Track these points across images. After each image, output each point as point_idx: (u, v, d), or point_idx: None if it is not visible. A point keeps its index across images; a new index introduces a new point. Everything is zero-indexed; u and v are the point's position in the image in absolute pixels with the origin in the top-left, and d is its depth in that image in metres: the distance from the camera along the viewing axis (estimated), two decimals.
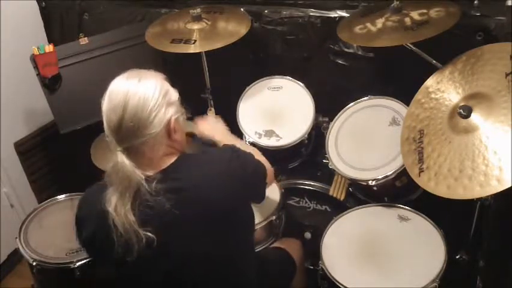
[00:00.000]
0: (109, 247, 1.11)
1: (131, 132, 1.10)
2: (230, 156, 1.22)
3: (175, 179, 1.13)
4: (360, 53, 2.05)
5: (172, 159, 1.18)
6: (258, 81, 2.10)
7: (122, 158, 1.09)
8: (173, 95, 1.19)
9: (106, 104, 1.13)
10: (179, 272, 1.16)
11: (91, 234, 1.18)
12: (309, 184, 1.99)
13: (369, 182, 1.70)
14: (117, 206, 1.09)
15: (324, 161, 1.89)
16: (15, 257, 2.37)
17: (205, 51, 1.96)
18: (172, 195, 1.10)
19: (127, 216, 1.08)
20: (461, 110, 1.36)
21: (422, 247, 1.55)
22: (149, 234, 1.08)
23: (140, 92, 1.11)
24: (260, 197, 1.34)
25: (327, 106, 2.01)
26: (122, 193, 1.09)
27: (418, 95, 1.58)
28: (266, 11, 2.15)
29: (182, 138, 1.24)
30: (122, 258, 1.11)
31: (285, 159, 2.05)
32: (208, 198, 1.14)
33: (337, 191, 1.88)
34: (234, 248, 1.22)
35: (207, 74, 2.07)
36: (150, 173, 1.12)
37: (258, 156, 1.36)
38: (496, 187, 1.20)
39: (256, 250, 1.67)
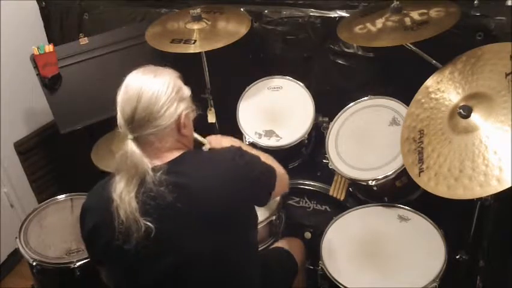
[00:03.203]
0: (110, 236, 1.13)
1: (142, 123, 1.14)
2: (234, 156, 1.23)
3: (179, 172, 1.16)
4: (360, 53, 2.05)
5: (179, 153, 1.21)
6: (258, 81, 2.10)
7: (132, 146, 1.14)
8: (186, 91, 1.24)
9: (121, 96, 1.18)
10: (176, 267, 1.16)
11: (94, 223, 1.19)
12: (309, 184, 1.99)
13: (369, 182, 1.70)
14: (122, 193, 1.11)
15: (324, 161, 1.89)
16: (15, 257, 2.37)
17: (205, 51, 1.96)
18: (175, 188, 1.12)
19: (131, 204, 1.10)
20: (461, 110, 1.36)
21: (422, 247, 1.55)
22: (149, 224, 1.10)
23: (155, 87, 1.16)
24: (262, 200, 1.33)
25: (327, 106, 2.01)
26: (128, 180, 1.12)
27: (418, 95, 1.58)
28: (266, 11, 2.15)
29: (191, 134, 1.29)
30: (121, 246, 1.12)
31: (285, 159, 2.04)
32: (210, 196, 1.15)
33: (337, 191, 1.88)
34: (235, 247, 1.22)
35: (207, 74, 2.07)
36: (157, 162, 1.16)
37: (272, 162, 1.37)
38: (496, 187, 1.20)
39: None
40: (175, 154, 1.20)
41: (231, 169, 1.20)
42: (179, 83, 1.23)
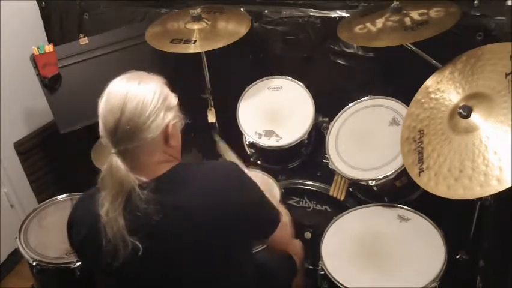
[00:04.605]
0: (98, 251, 1.10)
1: (127, 135, 1.07)
2: (230, 175, 1.18)
3: (167, 190, 1.10)
4: (360, 53, 2.05)
5: (168, 167, 1.14)
6: (258, 81, 2.10)
7: (116, 161, 1.06)
8: (173, 100, 1.16)
9: (103, 105, 1.10)
10: (164, 285, 1.14)
11: (82, 238, 1.17)
12: (309, 184, 1.99)
13: (369, 182, 1.70)
14: (109, 210, 1.07)
15: (324, 161, 1.89)
16: (15, 257, 2.37)
17: (205, 51, 1.96)
18: (161, 208, 1.07)
19: (117, 221, 1.06)
20: (461, 110, 1.36)
21: (422, 247, 1.55)
22: (136, 242, 1.06)
23: (140, 95, 1.08)
24: (261, 235, 1.27)
25: (327, 106, 2.01)
26: (114, 197, 1.07)
27: (418, 95, 1.58)
28: (266, 11, 2.15)
29: (179, 145, 1.20)
30: (110, 263, 1.08)
31: (285, 159, 2.05)
32: (198, 219, 1.10)
33: (337, 191, 1.88)
34: (225, 268, 1.18)
35: (207, 74, 2.07)
36: (144, 178, 1.09)
37: (281, 209, 1.32)
38: (496, 187, 1.20)
39: (255, 251, 1.66)
40: (163, 168, 1.13)
41: (224, 189, 1.14)
42: (167, 90, 1.15)
